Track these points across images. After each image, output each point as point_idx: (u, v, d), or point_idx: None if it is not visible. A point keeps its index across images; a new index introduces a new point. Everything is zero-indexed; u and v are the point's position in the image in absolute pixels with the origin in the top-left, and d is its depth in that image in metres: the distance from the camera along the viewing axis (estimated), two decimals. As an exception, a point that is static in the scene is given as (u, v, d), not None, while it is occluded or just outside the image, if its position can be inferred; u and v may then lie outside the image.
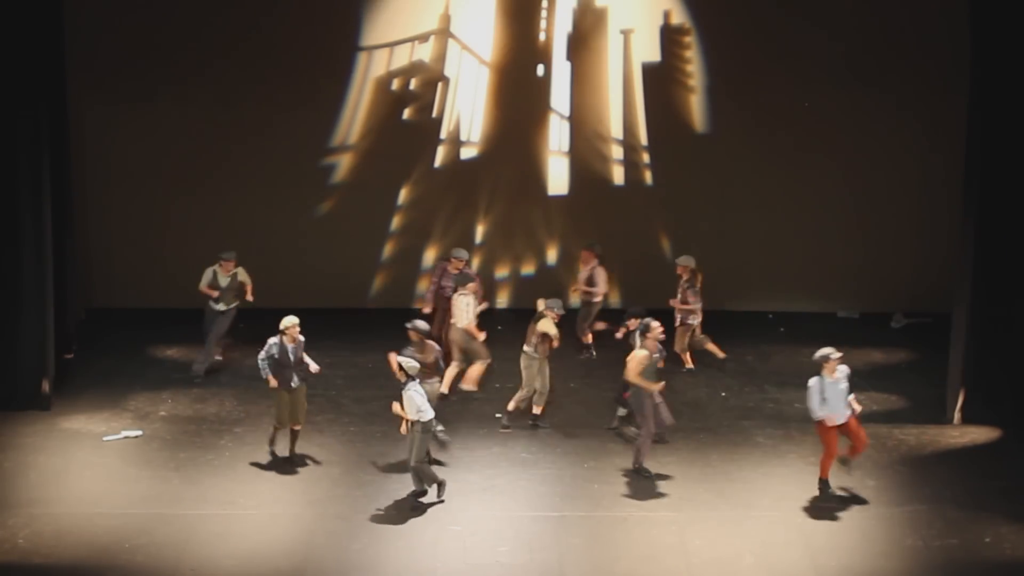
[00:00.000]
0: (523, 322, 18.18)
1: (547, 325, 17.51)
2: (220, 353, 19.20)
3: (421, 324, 16.89)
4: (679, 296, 19.40)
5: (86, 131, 20.97)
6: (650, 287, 20.96)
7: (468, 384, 18.41)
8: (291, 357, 16.30)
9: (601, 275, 19.85)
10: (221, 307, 18.82)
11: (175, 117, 21.18)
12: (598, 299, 19.91)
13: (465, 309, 18.34)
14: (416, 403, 15.56)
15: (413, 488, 15.74)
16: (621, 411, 17.68)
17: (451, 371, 18.30)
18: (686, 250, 21.72)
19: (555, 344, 17.61)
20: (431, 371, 16.57)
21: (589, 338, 20.06)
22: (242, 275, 18.92)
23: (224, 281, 18.76)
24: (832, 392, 15.66)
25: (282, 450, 16.66)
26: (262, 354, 16.33)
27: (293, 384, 16.36)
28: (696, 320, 19.42)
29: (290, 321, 16.34)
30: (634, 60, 21.46)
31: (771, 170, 21.64)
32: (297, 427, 16.57)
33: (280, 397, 16.39)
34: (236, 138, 21.32)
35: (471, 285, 18.49)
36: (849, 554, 14.89)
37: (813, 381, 15.72)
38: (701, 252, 21.71)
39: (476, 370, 18.41)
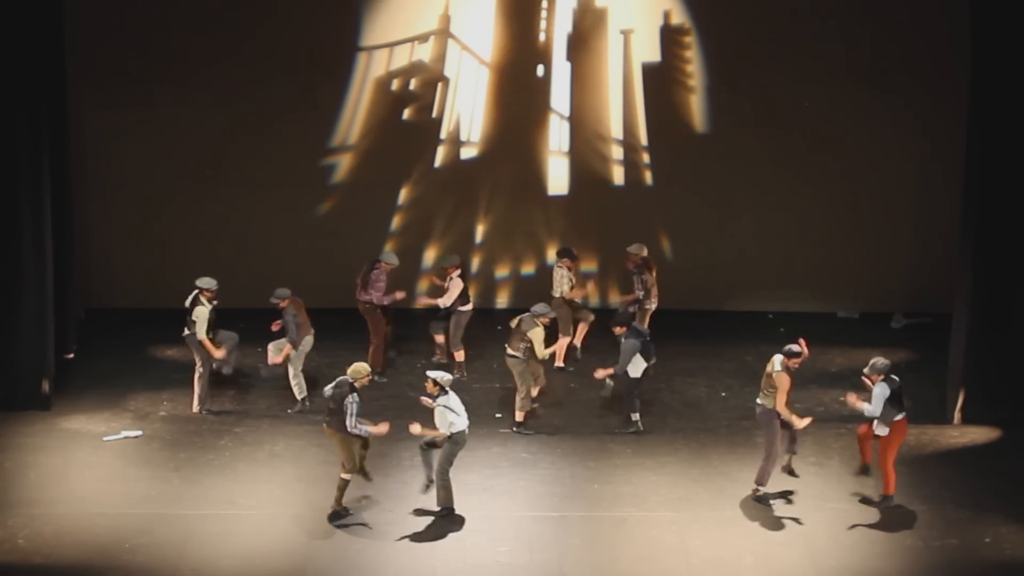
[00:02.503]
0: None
1: (537, 335, 17.53)
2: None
3: (282, 291, 17.92)
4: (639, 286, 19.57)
5: (86, 131, 20.96)
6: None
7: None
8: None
9: (456, 286, 19.12)
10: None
11: (175, 117, 21.16)
12: (466, 308, 19.23)
13: (560, 280, 19.45)
14: (448, 418, 15.38)
15: (438, 503, 15.66)
16: (635, 416, 17.76)
17: (563, 342, 19.43)
18: (687, 250, 21.77)
19: (541, 357, 17.68)
20: (306, 328, 18.06)
21: (462, 355, 19.30)
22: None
23: (212, 314, 17.99)
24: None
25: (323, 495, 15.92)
26: (352, 421, 15.27)
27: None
28: (652, 305, 19.50)
29: (364, 372, 15.46)
30: (634, 60, 21.44)
31: (771, 170, 21.63)
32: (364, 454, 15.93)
33: (353, 445, 15.57)
34: (236, 138, 21.31)
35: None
36: (849, 554, 14.90)
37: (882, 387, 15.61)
38: (702, 252, 21.80)
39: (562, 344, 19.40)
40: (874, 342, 20.87)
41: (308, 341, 18.20)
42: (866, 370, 15.76)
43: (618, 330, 17.61)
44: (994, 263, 17.75)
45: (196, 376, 18.13)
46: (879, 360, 15.76)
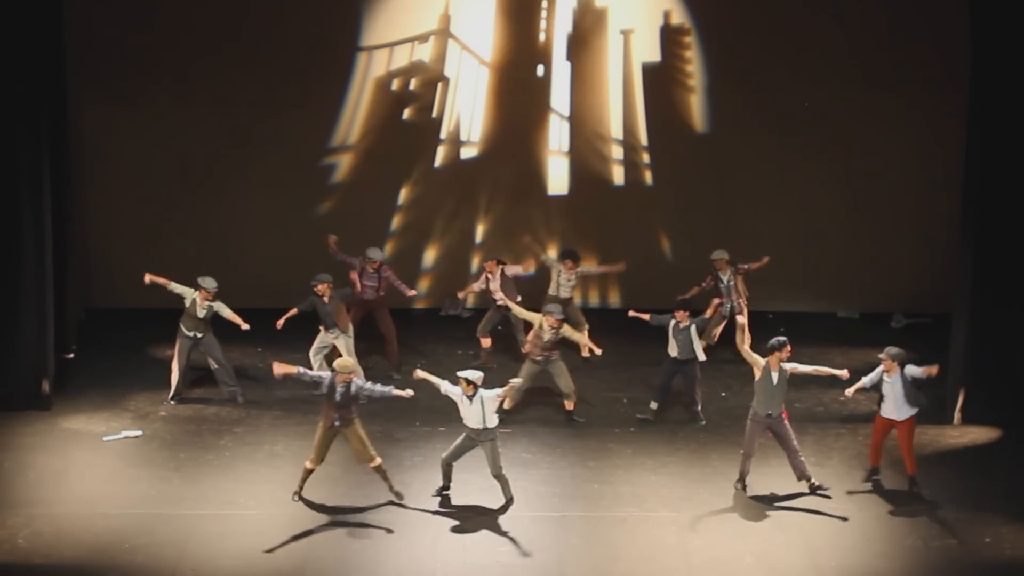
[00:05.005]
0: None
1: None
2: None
3: (323, 276, 18.38)
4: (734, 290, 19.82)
5: (86, 131, 20.98)
6: (649, 287, 20.99)
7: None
8: (338, 398, 15.58)
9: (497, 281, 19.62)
10: (195, 333, 18.31)
11: (175, 117, 21.18)
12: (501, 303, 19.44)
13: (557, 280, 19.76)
14: (492, 407, 15.51)
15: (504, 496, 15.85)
16: (653, 404, 18.02)
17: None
18: (687, 250, 21.78)
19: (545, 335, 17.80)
20: (344, 324, 18.48)
21: (489, 342, 19.75)
22: (219, 308, 18.23)
23: (201, 312, 18.16)
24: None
25: (301, 490, 15.93)
26: (374, 390, 15.68)
27: (336, 423, 15.62)
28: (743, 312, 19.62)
29: (345, 367, 15.64)
30: (634, 60, 21.46)
31: (771, 170, 21.64)
32: (373, 463, 15.86)
33: (323, 434, 15.70)
34: (236, 138, 21.32)
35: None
36: (849, 554, 14.90)
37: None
38: (702, 252, 21.78)
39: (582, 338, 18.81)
40: (874, 342, 20.85)
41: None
42: (889, 357, 15.84)
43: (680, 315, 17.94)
44: (994, 263, 17.75)
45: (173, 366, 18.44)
46: (903, 352, 16.06)
